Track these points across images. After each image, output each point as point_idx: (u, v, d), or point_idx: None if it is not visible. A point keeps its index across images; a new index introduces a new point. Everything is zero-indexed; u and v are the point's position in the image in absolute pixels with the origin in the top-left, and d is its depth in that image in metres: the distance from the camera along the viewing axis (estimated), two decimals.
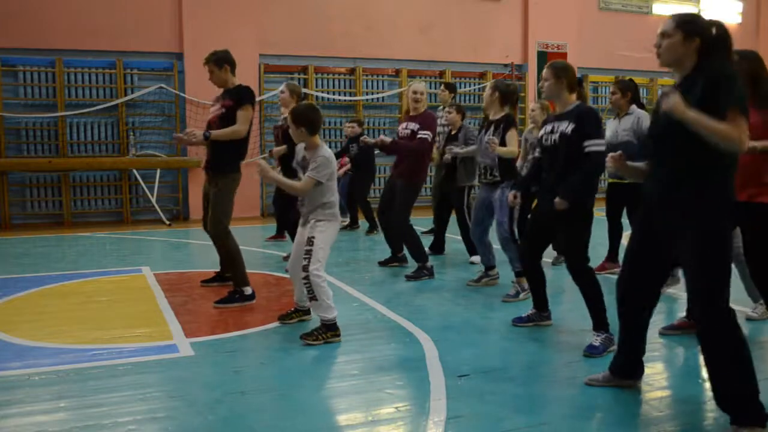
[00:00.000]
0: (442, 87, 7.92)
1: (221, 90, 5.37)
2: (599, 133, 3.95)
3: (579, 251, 3.98)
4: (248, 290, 5.14)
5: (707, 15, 14.77)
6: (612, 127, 5.93)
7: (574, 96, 4.04)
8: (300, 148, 4.31)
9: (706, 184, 2.77)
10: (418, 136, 5.94)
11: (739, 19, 15.39)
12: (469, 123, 6.76)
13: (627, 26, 14.04)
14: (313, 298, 4.09)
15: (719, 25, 2.89)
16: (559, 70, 4.02)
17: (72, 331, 4.41)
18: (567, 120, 3.95)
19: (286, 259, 6.95)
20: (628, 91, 5.88)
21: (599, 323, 3.95)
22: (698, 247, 2.77)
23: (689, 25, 2.87)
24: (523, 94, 13.06)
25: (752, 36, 15.56)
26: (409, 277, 6.00)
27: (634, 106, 5.85)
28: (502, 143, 5.28)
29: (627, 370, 3.31)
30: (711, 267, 2.76)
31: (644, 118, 5.63)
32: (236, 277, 5.19)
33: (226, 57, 5.30)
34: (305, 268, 4.06)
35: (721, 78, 2.71)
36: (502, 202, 5.29)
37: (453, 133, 6.84)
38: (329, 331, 4.11)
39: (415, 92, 6.13)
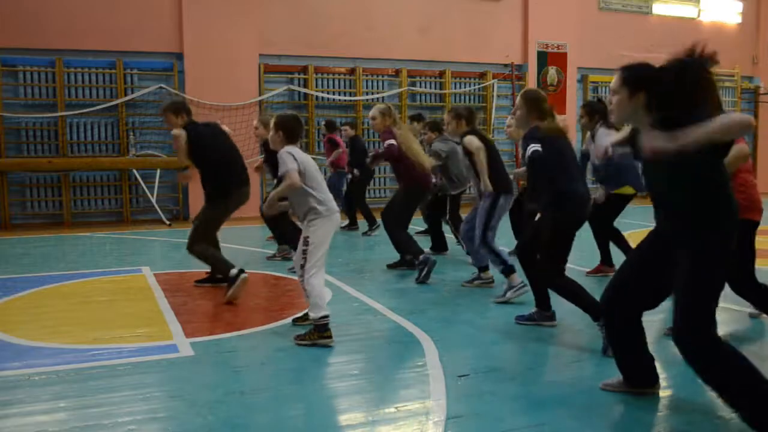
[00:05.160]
0: (420, 123, 8.02)
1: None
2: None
3: (544, 255, 4.11)
4: (233, 272, 5.17)
5: (707, 15, 14.54)
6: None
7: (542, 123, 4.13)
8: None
9: (715, 210, 2.62)
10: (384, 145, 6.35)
11: (739, 19, 15.39)
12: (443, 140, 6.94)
13: (627, 26, 14.04)
14: (308, 295, 4.11)
15: (679, 69, 2.56)
16: (531, 101, 4.11)
17: (72, 331, 4.41)
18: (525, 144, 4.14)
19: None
20: (595, 114, 5.67)
21: (595, 316, 3.93)
22: (693, 268, 2.62)
23: (633, 79, 2.68)
24: None
25: (752, 36, 15.57)
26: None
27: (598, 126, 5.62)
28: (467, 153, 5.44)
29: (637, 378, 3.20)
30: (701, 291, 2.60)
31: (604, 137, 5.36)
32: (221, 271, 5.31)
33: (184, 106, 5.62)
34: (302, 268, 4.11)
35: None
36: (480, 212, 5.40)
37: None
38: (318, 332, 4.08)
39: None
